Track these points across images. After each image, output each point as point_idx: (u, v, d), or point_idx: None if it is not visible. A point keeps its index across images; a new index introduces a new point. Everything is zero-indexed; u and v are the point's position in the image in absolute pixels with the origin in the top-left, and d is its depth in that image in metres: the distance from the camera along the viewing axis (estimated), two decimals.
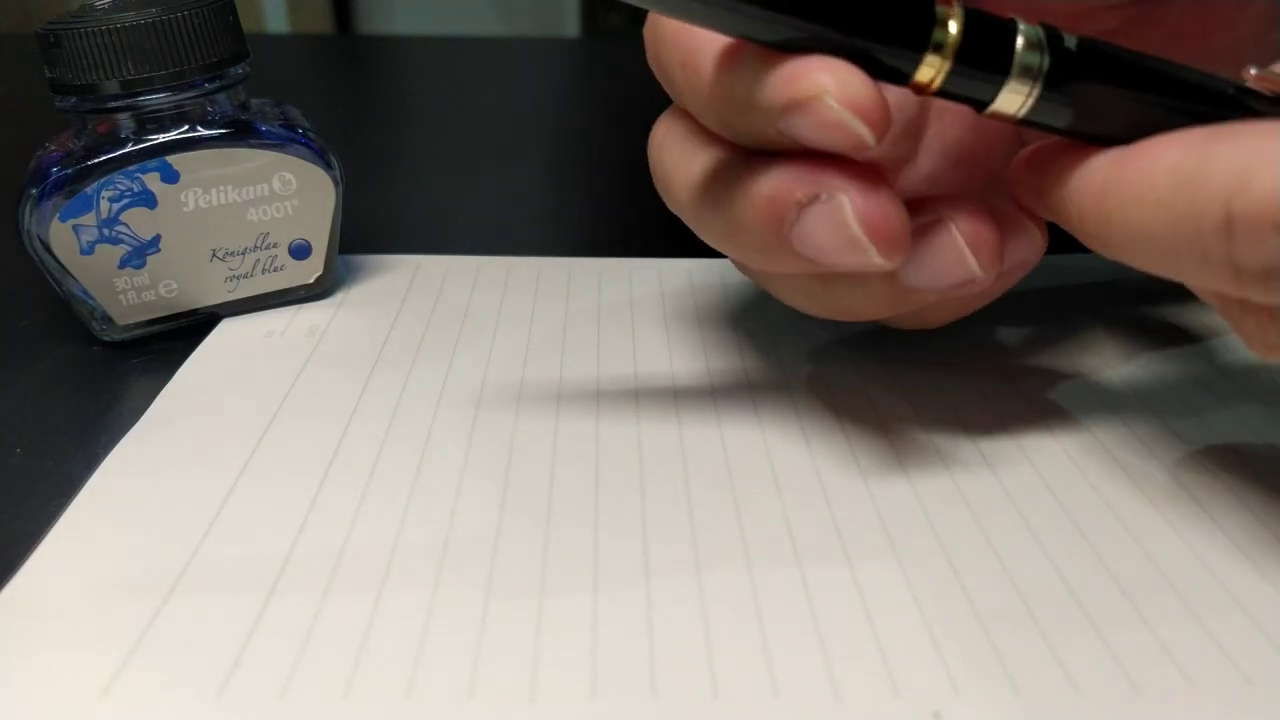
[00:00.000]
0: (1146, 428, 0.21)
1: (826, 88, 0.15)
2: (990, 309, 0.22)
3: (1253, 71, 0.17)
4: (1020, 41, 0.15)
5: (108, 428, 0.21)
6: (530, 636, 0.16)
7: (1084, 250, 0.17)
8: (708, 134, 0.18)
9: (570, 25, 1.64)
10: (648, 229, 0.32)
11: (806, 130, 0.15)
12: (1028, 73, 0.15)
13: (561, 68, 0.61)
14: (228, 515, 0.19)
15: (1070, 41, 0.16)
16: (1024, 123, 0.16)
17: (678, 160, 0.19)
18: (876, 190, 0.16)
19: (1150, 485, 0.19)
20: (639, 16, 0.18)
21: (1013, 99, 0.16)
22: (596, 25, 1.63)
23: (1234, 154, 0.14)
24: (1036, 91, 0.16)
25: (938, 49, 0.15)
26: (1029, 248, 0.19)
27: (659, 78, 0.19)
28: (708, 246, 0.19)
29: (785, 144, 0.16)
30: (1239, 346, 0.24)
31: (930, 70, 0.15)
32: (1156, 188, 0.15)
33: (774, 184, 0.17)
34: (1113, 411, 0.22)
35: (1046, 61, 0.15)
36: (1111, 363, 0.24)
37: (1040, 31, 0.16)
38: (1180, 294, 0.17)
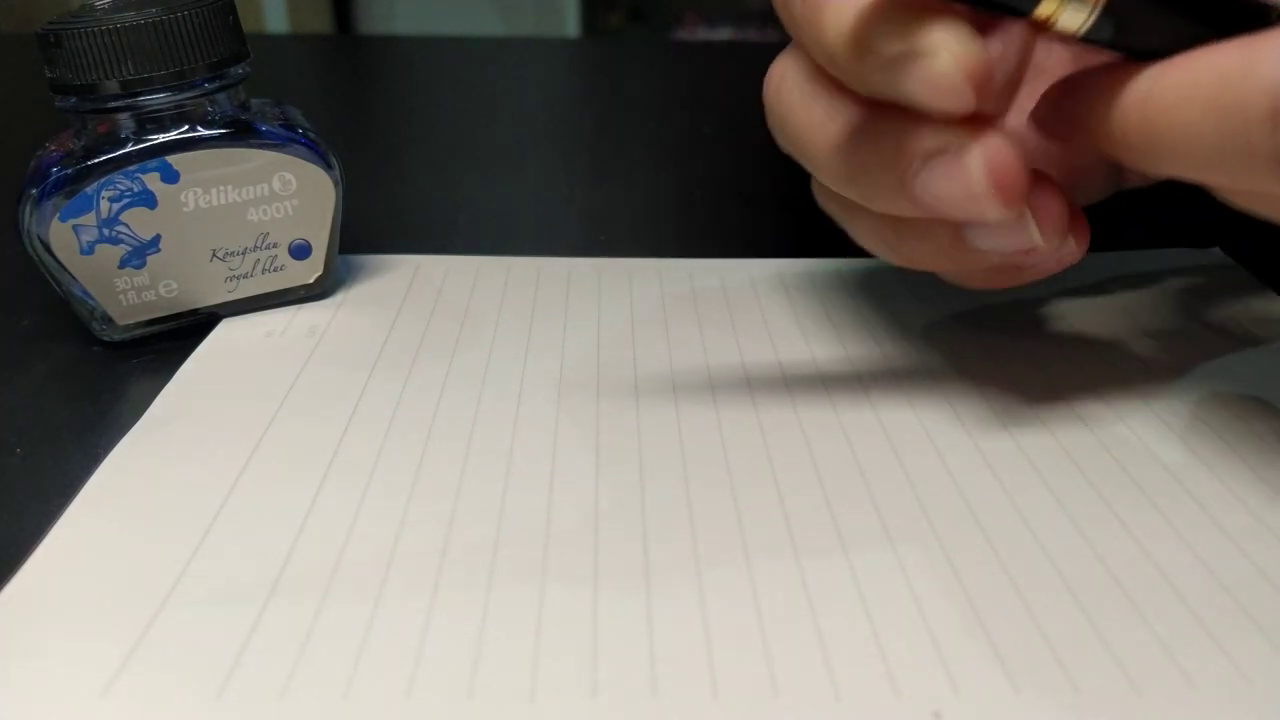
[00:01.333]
0: (1146, 427, 0.21)
1: (939, 45, 0.15)
2: (996, 310, 0.22)
3: None
4: None
5: (108, 428, 0.21)
6: (530, 636, 0.16)
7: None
8: (828, 76, 0.19)
9: (570, 25, 1.64)
10: (648, 229, 0.32)
11: (911, 87, 0.16)
12: None
13: (561, 68, 0.61)
14: (228, 515, 0.19)
15: None
16: (1084, 40, 0.17)
17: (798, 103, 0.19)
18: (1002, 144, 0.17)
19: (1151, 485, 0.19)
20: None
21: (1075, 16, 0.16)
22: (596, 25, 1.63)
23: (1278, 52, 0.15)
24: (1098, 10, 0.16)
25: None
26: (1066, 249, 0.19)
27: (780, 11, 0.19)
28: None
29: (893, 96, 0.17)
30: (1237, 345, 0.24)
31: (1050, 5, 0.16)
32: (1202, 87, 0.15)
33: (900, 135, 0.17)
34: (1112, 410, 0.22)
35: None
36: (1110, 361, 0.24)
37: None
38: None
